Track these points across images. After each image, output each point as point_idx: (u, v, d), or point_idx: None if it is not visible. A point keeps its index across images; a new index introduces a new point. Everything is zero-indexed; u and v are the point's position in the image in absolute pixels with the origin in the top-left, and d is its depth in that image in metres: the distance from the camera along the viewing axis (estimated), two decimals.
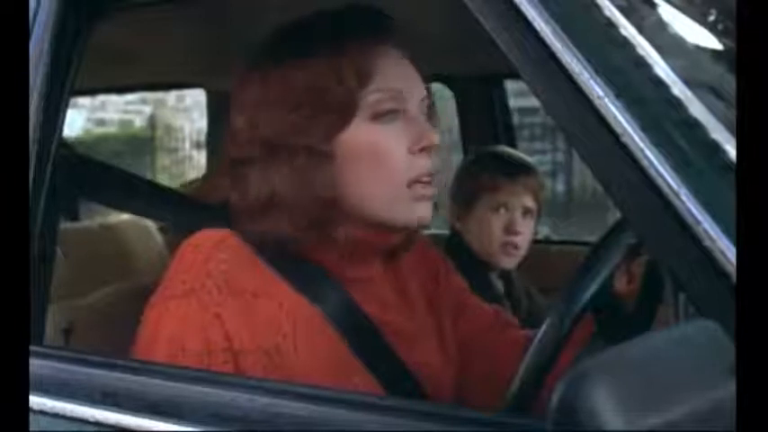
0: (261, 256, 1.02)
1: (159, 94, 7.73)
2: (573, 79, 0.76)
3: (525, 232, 1.83)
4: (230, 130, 1.06)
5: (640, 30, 0.79)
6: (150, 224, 1.91)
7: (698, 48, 0.96)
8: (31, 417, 0.95)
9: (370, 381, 1.03)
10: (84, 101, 5.82)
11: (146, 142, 9.77)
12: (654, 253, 0.80)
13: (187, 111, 8.79)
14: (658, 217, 0.72)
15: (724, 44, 0.96)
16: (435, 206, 1.07)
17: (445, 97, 2.45)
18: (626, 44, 0.77)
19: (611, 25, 0.78)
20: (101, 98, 7.13)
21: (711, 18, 1.03)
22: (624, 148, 0.73)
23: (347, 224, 1.02)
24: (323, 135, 1.01)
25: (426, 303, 1.17)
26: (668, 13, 0.94)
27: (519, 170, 1.85)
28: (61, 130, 1.11)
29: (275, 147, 1.02)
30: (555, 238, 2.89)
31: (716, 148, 0.73)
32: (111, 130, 9.64)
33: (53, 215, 1.11)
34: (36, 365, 0.98)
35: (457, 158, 2.37)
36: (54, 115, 1.09)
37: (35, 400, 0.96)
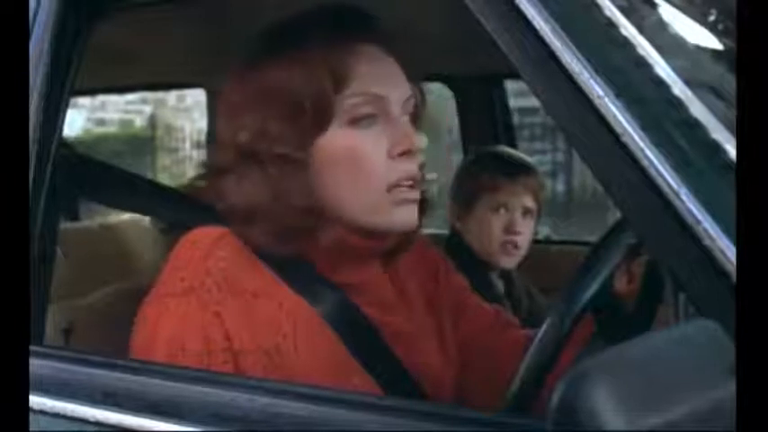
0: (259, 255, 1.01)
1: (159, 94, 7.72)
2: (573, 79, 0.76)
3: (525, 232, 1.83)
4: (215, 134, 1.06)
5: (641, 29, 0.79)
6: (150, 224, 1.91)
7: (698, 48, 0.95)
8: (31, 417, 0.95)
9: (370, 381, 1.03)
10: (84, 101, 5.82)
11: (146, 142, 9.77)
12: (654, 253, 0.80)
13: (187, 111, 8.79)
14: (658, 217, 0.72)
15: (724, 44, 0.95)
16: (424, 207, 1.06)
17: (445, 97, 2.45)
18: (626, 44, 0.77)
19: (611, 25, 0.78)
20: (101, 98, 7.12)
21: (711, 18, 1.03)
22: (624, 148, 0.73)
23: (330, 230, 1.01)
24: (298, 142, 0.99)
25: (426, 303, 1.17)
26: (668, 13, 0.94)
27: (519, 170, 1.85)
28: (61, 129, 1.11)
29: (251, 154, 1.00)
30: (555, 238, 2.88)
31: (716, 147, 0.73)
32: (112, 129, 9.64)
33: (53, 215, 1.11)
34: (36, 365, 0.98)
35: (457, 158, 2.38)
36: (54, 115, 1.09)
37: (35, 400, 0.96)
